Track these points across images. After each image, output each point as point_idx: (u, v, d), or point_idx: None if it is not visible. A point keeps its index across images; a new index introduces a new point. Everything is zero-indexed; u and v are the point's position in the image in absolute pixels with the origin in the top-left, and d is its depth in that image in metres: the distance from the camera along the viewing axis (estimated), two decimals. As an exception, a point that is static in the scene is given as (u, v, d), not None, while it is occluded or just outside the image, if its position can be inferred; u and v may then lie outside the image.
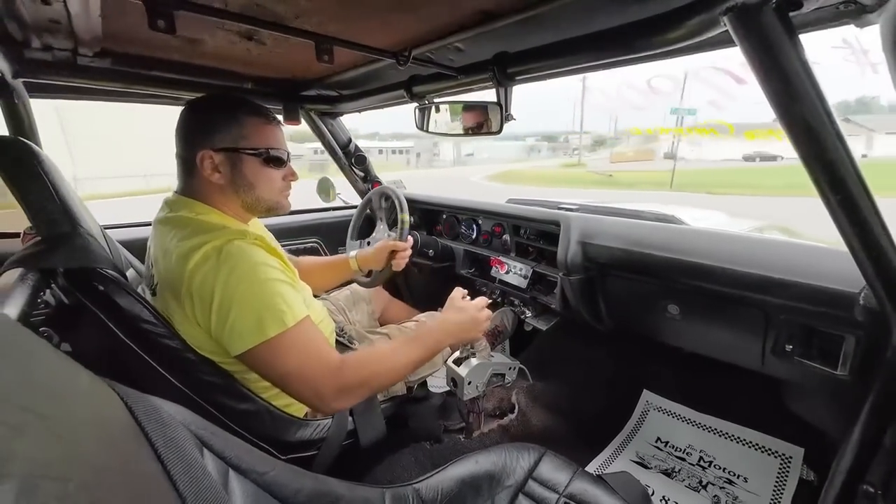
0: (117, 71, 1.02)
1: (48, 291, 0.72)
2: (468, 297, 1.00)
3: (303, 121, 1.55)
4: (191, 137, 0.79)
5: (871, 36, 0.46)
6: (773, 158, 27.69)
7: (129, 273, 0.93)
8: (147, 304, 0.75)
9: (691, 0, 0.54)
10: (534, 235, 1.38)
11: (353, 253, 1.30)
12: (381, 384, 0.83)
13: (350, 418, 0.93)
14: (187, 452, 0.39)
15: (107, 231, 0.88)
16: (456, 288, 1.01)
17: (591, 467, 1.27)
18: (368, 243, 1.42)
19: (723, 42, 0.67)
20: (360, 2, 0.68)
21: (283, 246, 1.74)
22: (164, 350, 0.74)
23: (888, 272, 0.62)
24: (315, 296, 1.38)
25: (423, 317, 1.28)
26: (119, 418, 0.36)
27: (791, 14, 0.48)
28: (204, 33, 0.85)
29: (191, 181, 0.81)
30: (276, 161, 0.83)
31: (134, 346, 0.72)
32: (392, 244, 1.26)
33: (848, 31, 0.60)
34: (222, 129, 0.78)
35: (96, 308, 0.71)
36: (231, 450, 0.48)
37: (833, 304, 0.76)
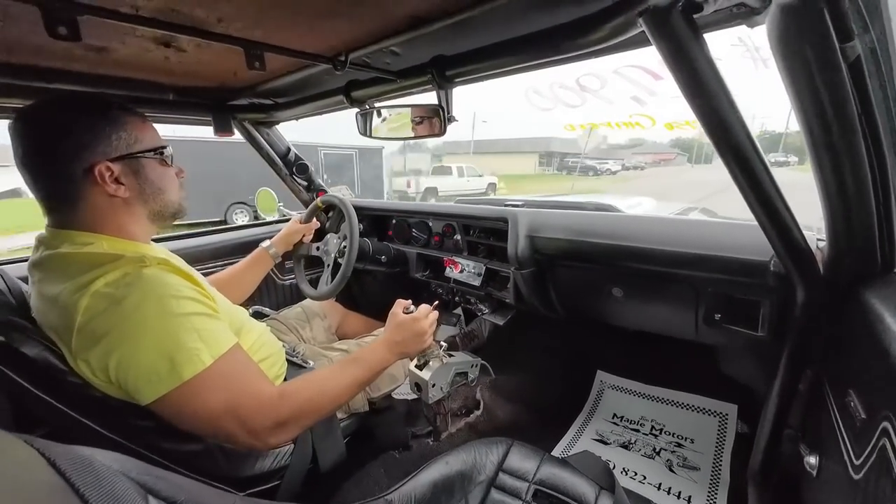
0: (9, 85, 0.89)
1: None
2: (412, 308, 0.96)
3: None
4: (67, 155, 0.66)
5: (761, 35, 0.53)
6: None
7: None
8: (60, 350, 0.65)
9: (611, 3, 0.59)
10: (484, 233, 1.40)
11: (265, 243, 1.29)
12: (323, 410, 0.76)
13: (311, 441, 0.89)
14: None
15: (3, 268, 0.77)
16: (397, 301, 0.97)
17: (557, 451, 1.32)
18: (318, 248, 1.38)
19: (641, 42, 0.72)
20: (284, 6, 0.65)
21: (224, 264, 1.63)
22: (87, 400, 0.64)
23: (791, 241, 0.71)
24: (263, 316, 1.31)
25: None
26: (41, 477, 0.32)
27: (695, 16, 0.54)
28: (112, 40, 0.77)
29: (74, 207, 0.68)
30: (168, 158, 0.77)
31: (50, 399, 0.63)
32: (297, 227, 1.35)
33: (742, 30, 0.67)
34: (109, 135, 0.68)
35: None
36: (181, 493, 0.44)
37: (748, 273, 0.86)
